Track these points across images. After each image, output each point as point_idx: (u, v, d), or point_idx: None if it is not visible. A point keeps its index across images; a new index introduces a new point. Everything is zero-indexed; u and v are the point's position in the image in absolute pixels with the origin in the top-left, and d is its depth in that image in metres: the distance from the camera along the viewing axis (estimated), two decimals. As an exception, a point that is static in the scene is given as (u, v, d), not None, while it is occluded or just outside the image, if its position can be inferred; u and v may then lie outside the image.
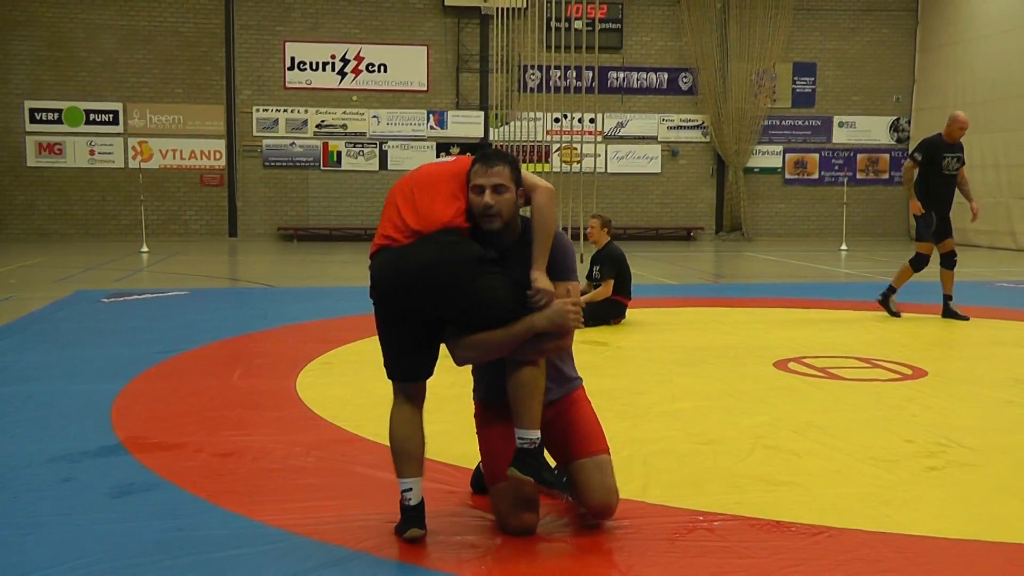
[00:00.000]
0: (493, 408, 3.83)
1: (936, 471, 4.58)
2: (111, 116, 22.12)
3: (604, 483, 3.67)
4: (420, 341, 3.69)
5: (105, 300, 10.67)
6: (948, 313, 9.39)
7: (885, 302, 9.62)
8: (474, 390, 3.99)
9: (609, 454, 3.80)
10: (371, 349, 7.70)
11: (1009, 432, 5.32)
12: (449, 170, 3.70)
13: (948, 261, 9.44)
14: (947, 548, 3.58)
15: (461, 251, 3.54)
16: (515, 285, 3.56)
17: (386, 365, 3.76)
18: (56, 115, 21.87)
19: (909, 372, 6.95)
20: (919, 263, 9.65)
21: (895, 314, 9.51)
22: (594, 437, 3.81)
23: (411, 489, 3.63)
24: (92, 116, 22.04)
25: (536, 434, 3.54)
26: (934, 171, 9.30)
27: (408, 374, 3.72)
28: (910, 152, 9.52)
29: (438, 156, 23.07)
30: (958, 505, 4.08)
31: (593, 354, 7.49)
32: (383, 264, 3.65)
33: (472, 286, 3.53)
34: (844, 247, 20.65)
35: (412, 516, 3.60)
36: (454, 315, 3.60)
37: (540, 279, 3.57)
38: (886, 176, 25.09)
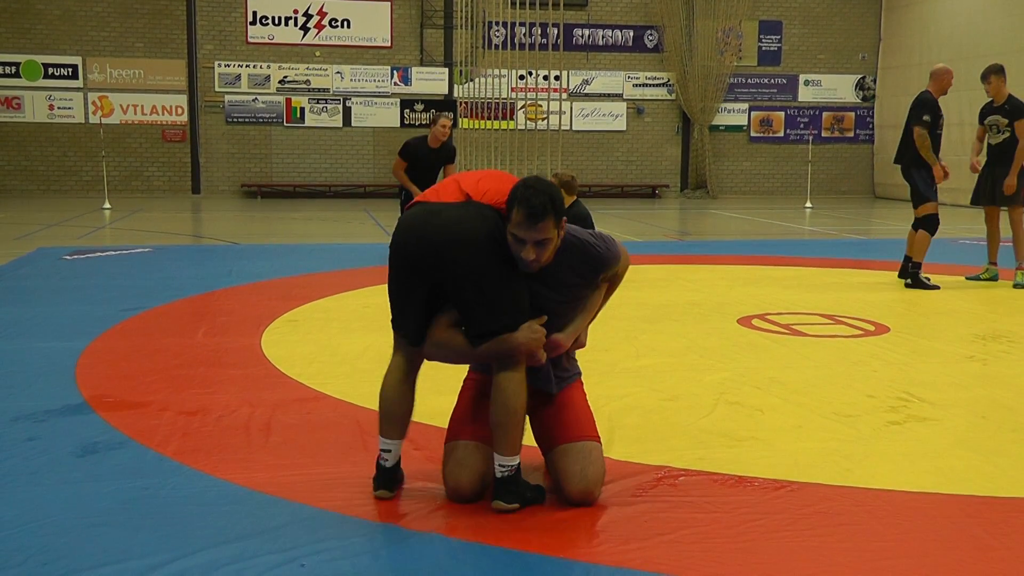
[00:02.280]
0: (482, 380, 3.72)
1: (896, 426, 4.65)
2: (70, 70, 21.76)
3: (584, 471, 3.50)
4: (422, 304, 3.52)
5: (67, 257, 10.55)
6: (905, 274, 9.14)
7: (917, 281, 8.90)
8: None
9: (599, 442, 3.64)
10: (336, 307, 7.73)
11: (968, 387, 5.41)
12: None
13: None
14: (906, 501, 3.65)
15: (501, 233, 3.39)
16: (529, 310, 3.47)
17: (392, 319, 3.64)
18: (13, 69, 21.50)
19: (871, 328, 7.03)
20: (935, 224, 9.05)
21: (934, 286, 8.83)
22: (581, 423, 3.64)
23: (390, 451, 3.61)
24: (51, 70, 21.68)
25: (515, 460, 3.45)
26: (932, 131, 8.92)
27: (409, 332, 3.58)
28: (918, 118, 8.82)
29: (403, 112, 22.95)
30: (917, 459, 4.15)
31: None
32: (415, 214, 3.46)
33: (492, 271, 3.38)
34: (809, 205, 20.78)
35: (385, 477, 3.60)
36: (456, 289, 3.43)
37: (558, 338, 3.55)
38: (851, 134, 25.23)
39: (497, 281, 3.40)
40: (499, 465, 3.45)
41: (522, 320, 3.44)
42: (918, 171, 9.03)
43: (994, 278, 9.32)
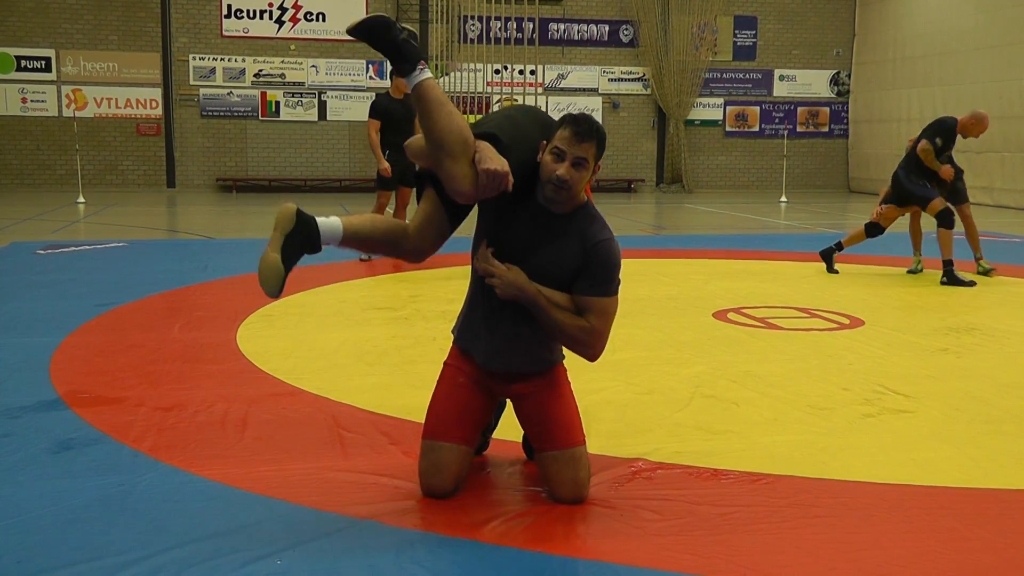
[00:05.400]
0: (460, 358, 3.62)
1: (871, 418, 4.68)
2: (43, 63, 21.56)
3: (576, 478, 3.46)
4: None
5: (41, 252, 10.46)
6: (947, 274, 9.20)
7: (953, 279, 8.92)
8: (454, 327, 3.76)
9: (584, 444, 3.55)
10: (312, 302, 7.70)
11: (941, 379, 5.45)
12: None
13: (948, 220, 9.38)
14: (880, 493, 3.67)
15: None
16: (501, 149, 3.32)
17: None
18: (-15, 62, 21.30)
19: (846, 322, 7.08)
20: (951, 216, 9.21)
21: (971, 283, 8.88)
22: (569, 427, 3.52)
23: (327, 217, 3.45)
24: (23, 63, 21.46)
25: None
26: (938, 154, 9.23)
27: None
28: (932, 137, 9.12)
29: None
30: (892, 451, 4.18)
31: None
32: None
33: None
34: (784, 199, 20.87)
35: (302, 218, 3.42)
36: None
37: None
38: (826, 129, 25.35)
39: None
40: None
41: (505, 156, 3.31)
42: (907, 178, 9.34)
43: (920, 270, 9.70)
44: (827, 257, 9.71)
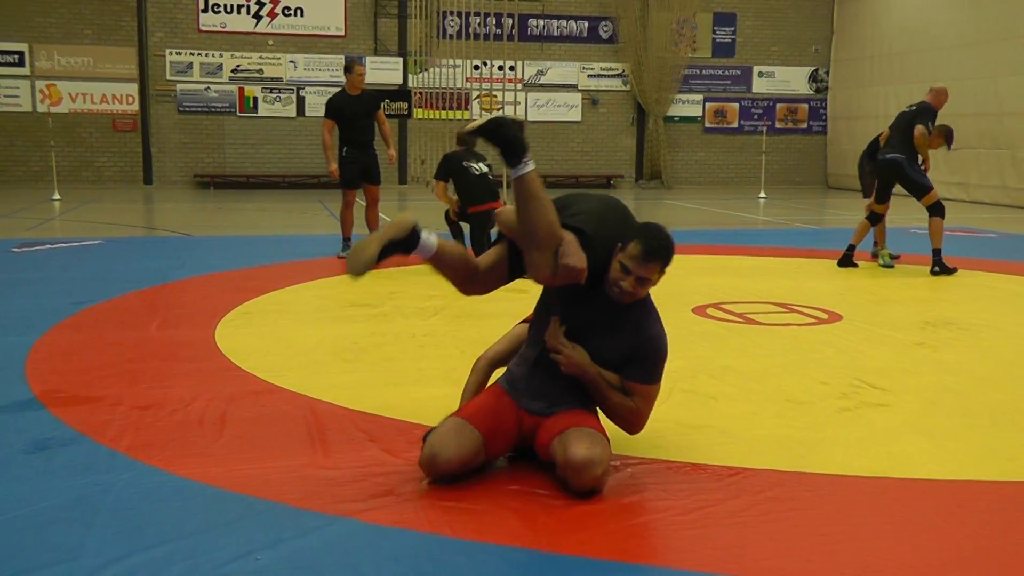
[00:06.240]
0: (502, 391, 3.85)
1: (848, 412, 4.71)
2: (16, 57, 21.40)
3: (592, 448, 3.49)
4: None
5: (16, 250, 10.39)
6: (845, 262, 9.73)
7: (943, 267, 9.19)
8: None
9: (603, 433, 3.67)
10: (291, 299, 7.68)
11: (918, 373, 5.49)
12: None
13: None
14: (858, 486, 3.69)
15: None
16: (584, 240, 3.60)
17: None
18: (-41, 57, 21.12)
19: (824, 316, 7.11)
20: (943, 208, 9.46)
21: (953, 270, 9.20)
22: (588, 420, 3.70)
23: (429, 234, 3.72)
24: (-4, 58, 21.32)
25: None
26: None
27: None
28: (925, 121, 9.35)
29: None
30: (869, 444, 4.20)
31: (513, 302, 7.52)
32: None
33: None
34: (763, 195, 20.95)
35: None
36: None
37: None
38: (805, 125, 25.46)
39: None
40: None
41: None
42: (910, 165, 9.44)
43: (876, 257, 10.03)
44: (847, 262, 9.66)
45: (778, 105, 25.25)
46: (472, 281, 3.87)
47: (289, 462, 3.88)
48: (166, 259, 10.06)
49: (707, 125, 25.11)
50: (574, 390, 3.74)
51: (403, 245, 3.64)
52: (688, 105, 24.88)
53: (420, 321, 6.83)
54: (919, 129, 9.36)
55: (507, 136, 3.55)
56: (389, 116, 10.08)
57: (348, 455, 3.95)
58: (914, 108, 9.67)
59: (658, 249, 3.58)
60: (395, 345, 6.11)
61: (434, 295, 7.81)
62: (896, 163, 9.50)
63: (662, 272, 3.65)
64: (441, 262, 3.77)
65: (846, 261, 9.67)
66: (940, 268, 9.19)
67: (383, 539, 3.18)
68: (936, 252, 9.26)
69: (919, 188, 9.49)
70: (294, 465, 3.84)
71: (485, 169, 9.47)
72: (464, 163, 9.40)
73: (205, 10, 22.20)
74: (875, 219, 9.75)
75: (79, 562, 2.98)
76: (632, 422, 3.79)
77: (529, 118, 23.59)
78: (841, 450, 4.12)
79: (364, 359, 5.75)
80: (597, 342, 3.71)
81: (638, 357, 3.73)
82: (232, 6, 22.29)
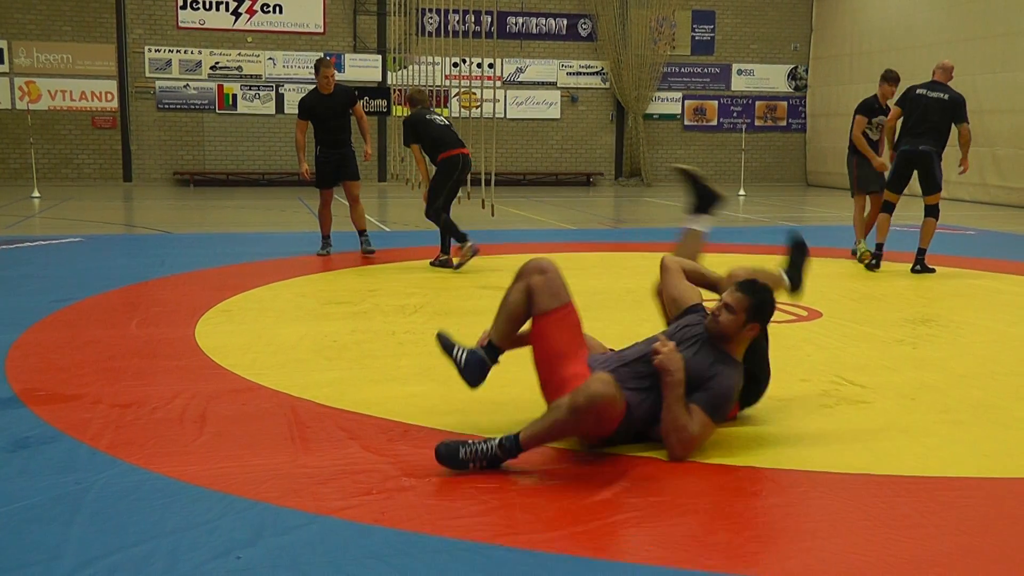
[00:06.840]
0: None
1: (829, 408, 4.73)
2: (-6, 55, 21.24)
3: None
4: None
5: (-7, 248, 10.32)
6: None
7: (924, 268, 9.27)
8: None
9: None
10: (271, 296, 7.66)
11: (897, 370, 5.52)
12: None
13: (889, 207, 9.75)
14: (837, 482, 3.71)
15: None
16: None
17: None
18: (-65, 54, 20.93)
19: (804, 314, 7.14)
20: (939, 211, 9.52)
21: (932, 270, 9.27)
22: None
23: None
24: (-26, 55, 21.14)
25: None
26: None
27: None
28: (966, 117, 9.38)
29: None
30: (849, 441, 4.23)
31: (492, 299, 7.51)
32: None
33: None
34: (742, 192, 21.02)
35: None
36: None
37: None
38: (784, 123, 25.54)
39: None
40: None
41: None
42: (938, 160, 9.41)
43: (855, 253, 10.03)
44: (875, 265, 9.52)
45: (757, 103, 25.33)
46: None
47: (270, 460, 3.87)
48: (146, 257, 10.02)
49: (686, 123, 25.16)
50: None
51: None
52: (667, 103, 24.93)
53: (400, 319, 6.83)
54: (968, 129, 9.38)
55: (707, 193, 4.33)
56: (368, 114, 10.03)
57: (329, 453, 3.95)
58: (944, 98, 9.41)
59: (746, 287, 4.07)
60: (375, 342, 6.11)
61: (414, 292, 7.80)
62: (929, 157, 9.36)
63: (749, 314, 4.04)
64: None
65: (877, 262, 9.52)
66: (921, 267, 9.27)
67: (364, 537, 3.18)
68: (921, 251, 9.31)
69: (934, 185, 9.44)
70: (275, 463, 3.83)
71: (447, 121, 9.61)
72: (427, 116, 9.48)
73: (184, 7, 22.08)
74: (889, 208, 9.70)
75: (59, 561, 2.96)
76: (682, 442, 3.89)
77: (509, 115, 23.60)
78: (821, 446, 4.15)
79: (344, 357, 5.74)
80: (685, 353, 4.03)
81: (709, 387, 3.96)
82: (211, 3, 22.18)
